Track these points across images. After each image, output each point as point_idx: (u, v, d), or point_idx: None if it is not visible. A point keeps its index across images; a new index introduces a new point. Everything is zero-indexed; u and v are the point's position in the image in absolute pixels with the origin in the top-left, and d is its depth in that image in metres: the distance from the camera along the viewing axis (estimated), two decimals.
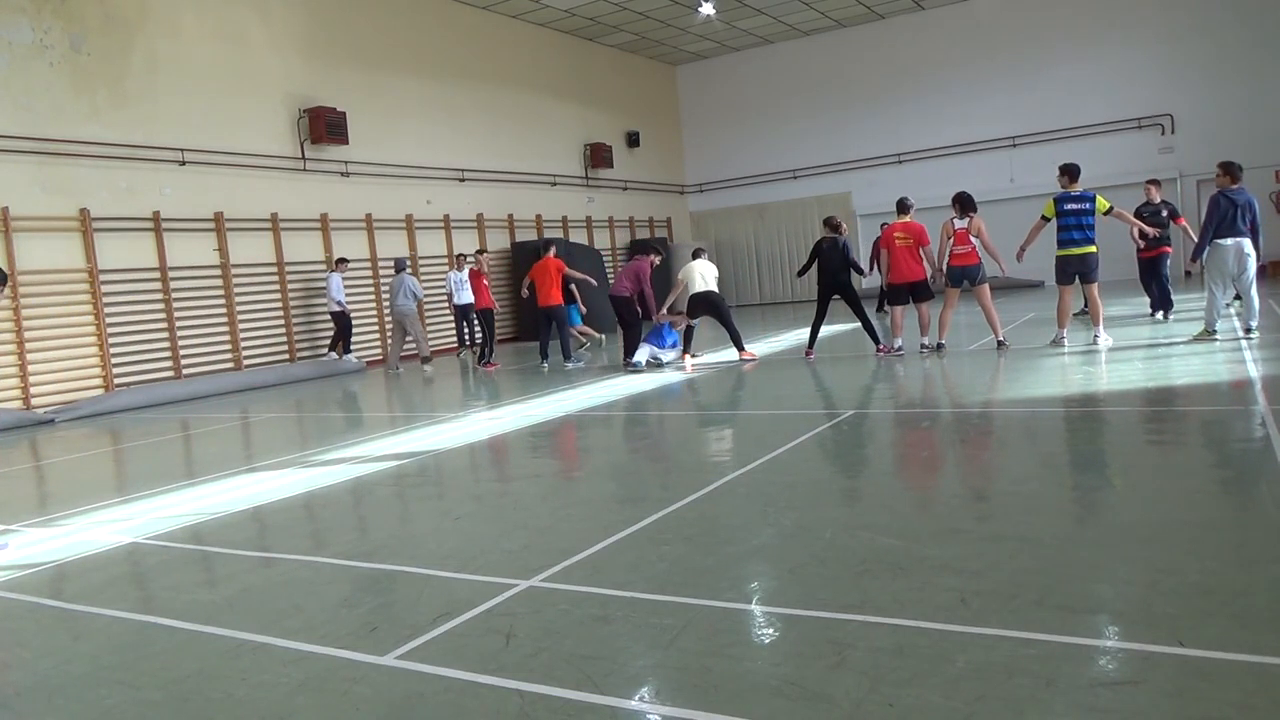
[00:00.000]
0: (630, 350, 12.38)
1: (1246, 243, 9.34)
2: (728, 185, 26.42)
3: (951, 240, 10.55)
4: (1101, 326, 10.20)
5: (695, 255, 12.53)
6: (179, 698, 3.01)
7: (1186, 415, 6.52)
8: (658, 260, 13.08)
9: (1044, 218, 10.22)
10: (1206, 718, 2.35)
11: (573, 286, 14.45)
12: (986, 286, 10.67)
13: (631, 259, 13.20)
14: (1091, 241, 9.98)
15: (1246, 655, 2.65)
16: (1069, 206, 9.98)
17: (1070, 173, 10.18)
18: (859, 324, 11.45)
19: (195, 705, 2.95)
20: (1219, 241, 9.37)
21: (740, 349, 11.77)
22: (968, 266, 10.51)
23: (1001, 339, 10.48)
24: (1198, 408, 6.66)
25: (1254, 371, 7.70)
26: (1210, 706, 2.40)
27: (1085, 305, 10.64)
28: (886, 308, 12.50)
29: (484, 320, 14.62)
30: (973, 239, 10.46)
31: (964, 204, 10.55)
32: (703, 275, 11.95)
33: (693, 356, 12.11)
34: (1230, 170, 9.55)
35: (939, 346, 10.75)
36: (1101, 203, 10.00)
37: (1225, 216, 9.32)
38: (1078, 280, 10.16)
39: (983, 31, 22.61)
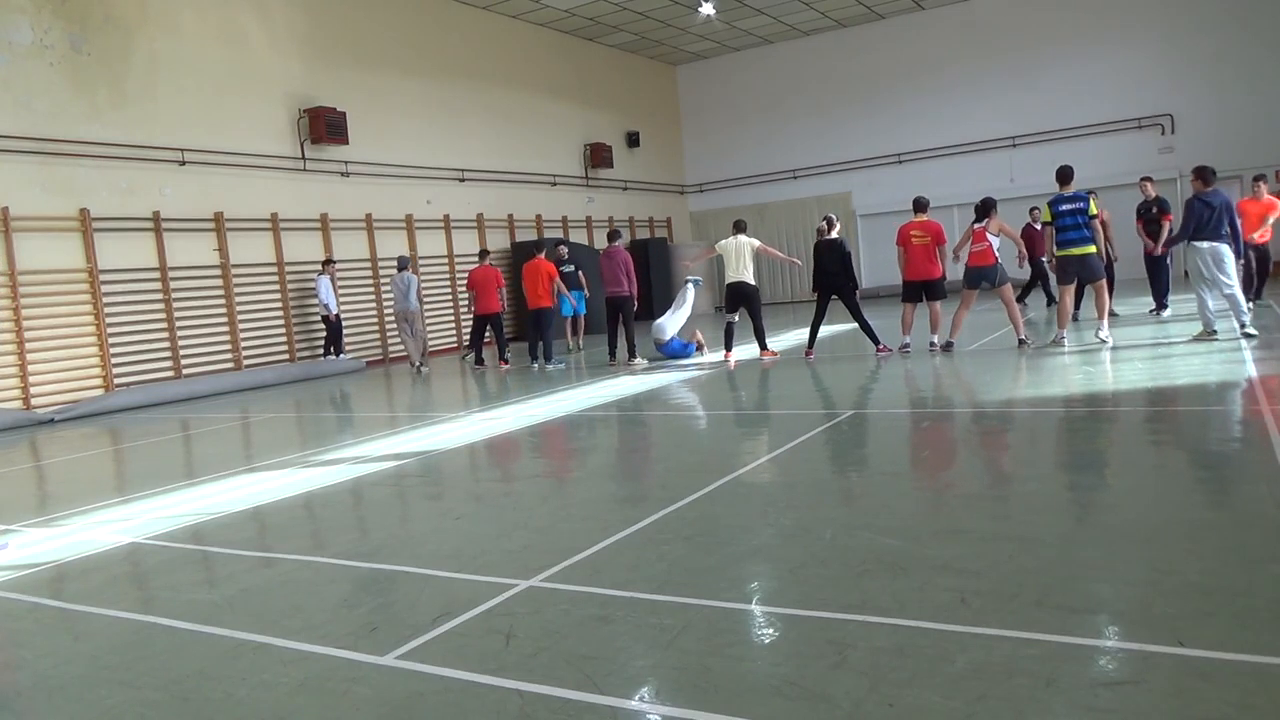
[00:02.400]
0: (630, 349, 12.37)
1: (1222, 247, 9.50)
2: (728, 185, 26.40)
3: (970, 240, 10.62)
4: (1105, 321, 10.23)
5: (736, 229, 11.81)
6: (179, 698, 3.01)
7: (1186, 415, 6.52)
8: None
9: (1045, 223, 10.36)
10: (1206, 718, 2.35)
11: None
12: (1009, 286, 10.73)
13: (610, 251, 12.71)
14: (1090, 241, 10.01)
15: (1246, 655, 2.65)
16: (1064, 208, 10.05)
17: (1061, 176, 10.25)
18: (857, 325, 11.45)
19: (195, 705, 2.95)
20: (1195, 244, 9.62)
21: (763, 347, 11.71)
22: (984, 267, 10.50)
23: (1023, 337, 10.49)
24: (1198, 408, 6.66)
25: (1253, 371, 7.70)
26: (1210, 706, 2.39)
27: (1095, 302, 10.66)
28: (1027, 300, 13.55)
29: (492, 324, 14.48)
30: (990, 237, 10.46)
31: (981, 208, 10.65)
32: (737, 256, 11.53)
33: (765, 354, 11.64)
34: (1202, 175, 9.74)
35: (948, 346, 10.74)
36: (1091, 206, 10.02)
37: (1201, 220, 9.54)
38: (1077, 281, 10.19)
39: (983, 31, 22.60)
